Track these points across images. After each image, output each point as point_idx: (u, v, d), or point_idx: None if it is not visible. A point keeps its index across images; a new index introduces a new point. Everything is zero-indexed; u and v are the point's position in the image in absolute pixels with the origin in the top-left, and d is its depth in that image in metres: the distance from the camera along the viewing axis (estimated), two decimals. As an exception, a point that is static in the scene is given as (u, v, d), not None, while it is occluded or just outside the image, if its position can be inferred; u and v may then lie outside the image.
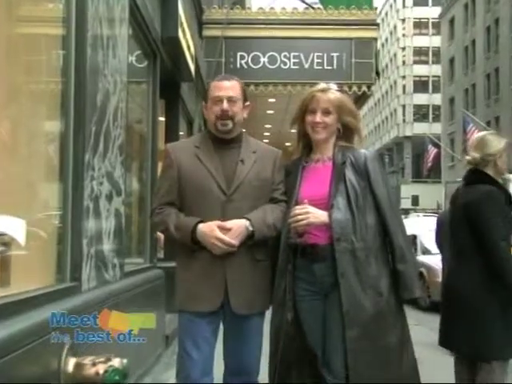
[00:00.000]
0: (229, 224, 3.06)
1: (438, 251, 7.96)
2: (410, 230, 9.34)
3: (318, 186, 3.20)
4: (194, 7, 11.25)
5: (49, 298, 3.17)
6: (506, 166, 3.96)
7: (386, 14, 75.94)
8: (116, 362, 2.81)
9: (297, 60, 12.39)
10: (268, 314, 3.29)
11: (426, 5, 69.89)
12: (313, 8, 13.84)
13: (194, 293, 3.13)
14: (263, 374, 3.29)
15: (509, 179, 7.00)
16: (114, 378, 2.75)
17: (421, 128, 63.24)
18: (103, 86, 4.32)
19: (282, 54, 12.37)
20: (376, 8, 13.08)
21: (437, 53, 66.61)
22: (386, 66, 73.51)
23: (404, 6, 71.88)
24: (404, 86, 71.28)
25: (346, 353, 3.01)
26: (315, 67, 12.37)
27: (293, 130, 3.45)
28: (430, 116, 69.68)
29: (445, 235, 6.32)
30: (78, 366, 2.83)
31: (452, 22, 57.06)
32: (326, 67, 12.37)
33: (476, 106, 49.56)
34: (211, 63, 11.94)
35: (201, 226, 3.07)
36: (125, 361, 2.85)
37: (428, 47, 70.70)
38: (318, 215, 3.09)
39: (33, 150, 3.67)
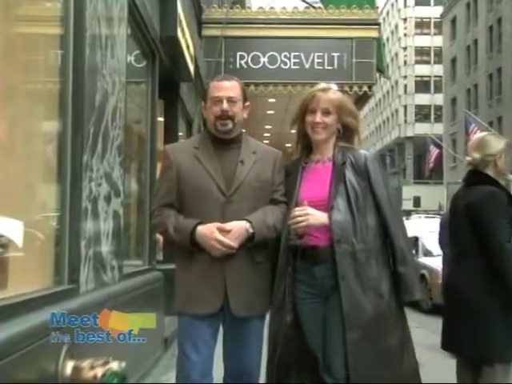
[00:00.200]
0: (228, 226, 3.06)
1: (440, 253, 7.98)
2: (411, 232, 9.36)
3: (318, 187, 3.20)
4: (193, 6, 11.25)
5: (46, 300, 3.17)
6: (505, 167, 3.97)
7: (388, 13, 75.96)
8: (114, 365, 2.80)
9: (297, 60, 12.40)
10: (268, 316, 3.29)
11: (428, 4, 69.92)
12: (313, 7, 13.87)
13: (194, 295, 3.13)
14: (263, 376, 3.29)
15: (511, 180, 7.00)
16: (113, 381, 2.75)
17: (422, 128, 63.23)
18: (102, 86, 4.32)
19: (283, 54, 12.38)
20: (377, 7, 13.08)
21: (439, 53, 66.63)
22: (387, 65, 73.56)
23: (406, 6, 71.91)
24: (405, 86, 71.30)
25: (346, 355, 3.01)
26: (316, 67, 12.37)
27: (293, 131, 3.44)
28: (432, 116, 69.70)
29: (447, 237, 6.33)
30: (76, 369, 2.83)
31: (454, 21, 57.08)
32: (326, 67, 12.38)
33: (478, 106, 49.58)
34: (211, 63, 11.94)
35: (200, 228, 3.07)
36: (123, 364, 2.84)
37: (430, 47, 70.72)
38: (318, 217, 3.08)
39: (30, 151, 3.67)
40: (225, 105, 3.19)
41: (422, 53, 71.35)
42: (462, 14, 54.65)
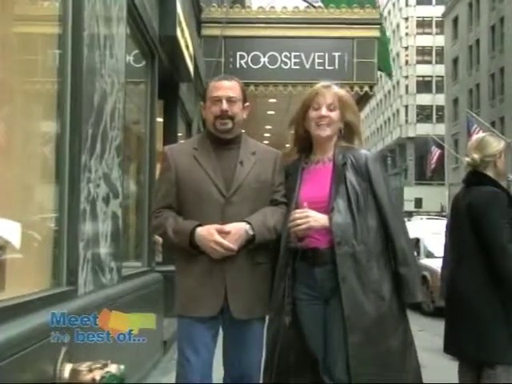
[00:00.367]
0: (228, 227, 3.05)
1: (441, 254, 7.96)
2: (413, 233, 9.35)
3: (318, 188, 3.20)
4: (193, 6, 11.25)
5: (44, 302, 3.17)
6: (505, 167, 3.99)
7: (389, 12, 75.99)
8: (113, 368, 2.81)
9: (298, 60, 12.39)
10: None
11: (430, 3, 70.00)
12: (314, 7, 13.87)
13: (194, 297, 3.13)
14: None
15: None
16: (111, 384, 2.75)
17: (424, 129, 63.27)
18: (100, 86, 4.32)
19: (283, 54, 12.37)
20: (379, 7, 13.08)
21: (440, 52, 66.67)
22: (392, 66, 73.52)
23: (407, 5, 71.98)
24: (407, 86, 71.32)
25: (347, 358, 3.00)
26: (316, 67, 12.37)
27: (291, 132, 3.44)
28: (434, 117, 69.73)
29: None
30: (74, 372, 2.83)
31: (456, 20, 57.13)
32: (327, 67, 12.37)
33: (480, 106, 49.60)
34: (210, 63, 11.93)
35: (199, 230, 3.07)
36: (122, 367, 2.84)
37: (431, 47, 70.77)
38: (318, 218, 3.08)
39: (28, 152, 3.67)
40: (224, 105, 3.19)
41: (423, 52, 71.39)
42: (463, 13, 54.68)
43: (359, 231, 3.07)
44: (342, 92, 3.30)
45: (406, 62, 71.07)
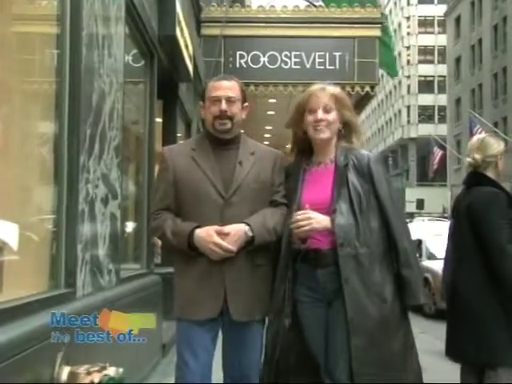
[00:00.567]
0: (227, 229, 3.05)
1: (443, 256, 7.97)
2: (414, 235, 9.34)
3: (320, 190, 3.20)
4: (192, 5, 11.26)
5: (42, 304, 3.17)
6: (505, 168, 4.02)
7: (390, 11, 75.95)
8: (111, 371, 2.81)
9: (298, 59, 12.39)
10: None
11: (432, 2, 70.01)
12: (314, 6, 13.86)
13: (193, 300, 3.13)
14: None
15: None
16: (110, 387, 2.75)
17: (426, 129, 63.30)
18: (99, 86, 4.33)
19: (283, 54, 12.37)
20: (380, 6, 13.08)
21: (442, 52, 66.70)
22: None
23: (409, 4, 71.97)
24: (409, 86, 71.31)
25: (350, 360, 3.00)
26: (317, 67, 12.36)
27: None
28: (436, 117, 69.72)
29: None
30: (73, 375, 2.83)
31: (458, 20, 57.15)
32: (328, 67, 12.36)
33: (483, 106, 49.61)
34: (210, 63, 11.93)
35: (198, 231, 3.07)
36: (120, 370, 2.85)
37: (433, 46, 70.76)
38: (320, 220, 3.08)
39: (26, 152, 3.68)
40: (223, 105, 3.19)
41: (425, 52, 71.39)
42: (466, 12, 54.70)
43: (362, 233, 3.08)
44: (337, 91, 3.29)
45: (408, 61, 71.05)
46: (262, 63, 12.36)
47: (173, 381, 3.23)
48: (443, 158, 44.39)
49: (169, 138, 8.87)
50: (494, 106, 47.69)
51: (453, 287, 3.98)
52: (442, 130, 61.74)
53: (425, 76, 70.80)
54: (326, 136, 3.23)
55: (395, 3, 75.23)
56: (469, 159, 3.98)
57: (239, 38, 12.49)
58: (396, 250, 3.15)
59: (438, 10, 67.03)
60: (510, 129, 42.13)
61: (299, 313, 3.19)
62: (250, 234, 3.08)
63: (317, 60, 12.39)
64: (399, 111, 72.95)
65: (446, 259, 4.21)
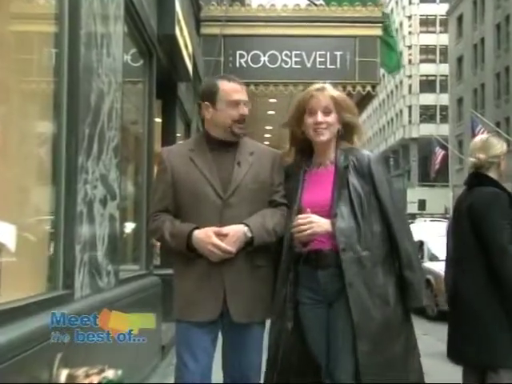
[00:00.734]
0: (226, 230, 3.05)
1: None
2: (416, 236, 9.34)
3: (321, 193, 3.20)
4: (192, 4, 11.26)
5: (40, 306, 3.17)
6: (506, 169, 4.05)
7: (392, 10, 75.95)
8: (110, 374, 2.81)
9: (298, 59, 12.39)
10: (269, 322, 3.28)
11: (434, 1, 70.00)
12: (315, 5, 13.86)
13: (192, 301, 3.13)
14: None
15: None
16: (109, 389, 2.75)
17: (428, 129, 63.26)
18: (97, 85, 4.33)
19: (283, 53, 12.37)
20: (381, 4, 13.08)
21: (444, 51, 66.73)
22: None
23: (410, 3, 72.00)
24: (410, 86, 71.34)
25: (356, 364, 3.00)
26: (318, 66, 12.36)
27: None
28: (438, 117, 69.75)
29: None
30: (71, 378, 2.83)
31: (460, 19, 57.18)
32: (328, 66, 12.37)
33: (485, 106, 49.62)
34: (209, 62, 11.93)
35: (196, 233, 3.07)
36: (119, 372, 2.84)
37: (435, 45, 70.80)
38: (322, 224, 3.08)
39: (24, 153, 3.68)
40: (244, 109, 3.21)
41: (427, 51, 71.42)
42: (468, 11, 54.73)
43: (363, 236, 3.08)
44: (337, 93, 3.28)
45: (410, 61, 71.02)
46: (262, 62, 12.36)
47: (172, 383, 3.23)
48: (445, 159, 44.42)
49: (168, 138, 8.87)
50: (496, 105, 47.70)
51: (454, 288, 3.99)
52: (443, 129, 61.76)
53: (426, 75, 70.82)
54: (326, 138, 3.23)
55: (397, 2, 75.23)
56: (473, 159, 3.99)
57: (239, 37, 12.49)
58: (398, 252, 3.15)
59: (439, 9, 67.04)
60: (512, 129, 42.15)
61: (301, 314, 3.19)
62: (249, 234, 3.08)
63: (317, 59, 12.39)
64: (401, 111, 72.97)
65: (447, 260, 4.22)
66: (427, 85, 70.70)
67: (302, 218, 3.09)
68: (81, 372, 2.81)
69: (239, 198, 3.15)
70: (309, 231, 3.06)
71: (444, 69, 65.78)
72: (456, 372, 4.14)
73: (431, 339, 8.30)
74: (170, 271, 3.52)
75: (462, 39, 56.58)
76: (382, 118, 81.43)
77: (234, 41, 12.43)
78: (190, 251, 3.09)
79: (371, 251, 3.07)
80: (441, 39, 68.51)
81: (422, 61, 71.09)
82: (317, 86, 3.31)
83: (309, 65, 12.39)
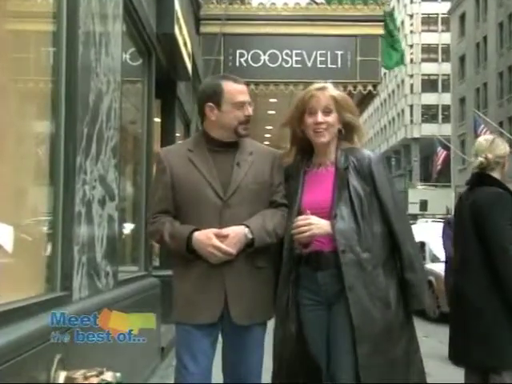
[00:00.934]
0: (226, 231, 3.05)
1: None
2: (418, 237, 9.35)
3: (321, 194, 3.20)
4: (191, 2, 11.26)
5: (38, 308, 3.17)
6: (509, 169, 4.09)
7: (393, 9, 75.95)
8: (109, 376, 2.81)
9: (299, 58, 12.39)
10: (270, 324, 3.29)
11: (435, 0, 69.98)
12: (316, 3, 13.86)
13: (192, 304, 3.13)
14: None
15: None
16: (107, 392, 2.75)
17: (429, 129, 63.24)
18: (96, 85, 4.33)
19: (284, 52, 12.37)
20: (383, 3, 13.07)
21: (446, 50, 66.68)
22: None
23: (412, 1, 71.97)
24: (412, 85, 71.32)
25: (356, 367, 3.00)
26: (318, 66, 12.36)
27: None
28: (440, 117, 69.73)
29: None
30: (69, 380, 2.83)
31: (462, 17, 57.17)
32: (329, 65, 12.37)
33: (488, 105, 49.60)
34: (209, 61, 11.94)
35: (196, 234, 3.06)
36: (118, 374, 2.85)
37: (437, 44, 70.78)
38: (321, 225, 3.09)
39: (21, 153, 3.68)
40: (249, 109, 3.22)
41: (429, 50, 71.40)
42: (470, 9, 54.72)
43: (363, 237, 3.07)
44: (337, 93, 3.28)
45: (411, 60, 70.94)
46: (262, 62, 12.37)
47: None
48: (447, 159, 44.44)
49: (167, 138, 8.88)
50: (499, 105, 47.68)
51: (456, 288, 4.00)
52: (445, 129, 61.77)
53: (428, 75, 70.80)
54: (326, 139, 3.23)
55: (398, 0, 75.19)
56: (481, 158, 4.01)
57: (239, 36, 12.49)
58: (399, 254, 3.14)
59: (441, 8, 66.98)
60: (515, 129, 42.13)
61: (302, 316, 3.19)
62: (250, 236, 3.08)
63: (318, 58, 12.39)
64: (402, 111, 72.95)
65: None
66: (429, 84, 70.69)
67: (301, 220, 3.09)
68: (79, 374, 2.81)
69: (239, 199, 3.15)
70: (308, 233, 3.06)
71: (446, 68, 65.75)
72: (457, 373, 4.15)
73: (433, 341, 8.30)
74: (169, 272, 3.52)
75: (464, 38, 56.57)
76: (384, 117, 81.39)
77: (234, 40, 12.43)
78: (189, 253, 3.09)
79: (372, 252, 3.07)
80: (443, 38, 68.48)
81: (423, 60, 71.07)
82: (317, 85, 3.31)
83: (309, 64, 12.39)
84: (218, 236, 3.03)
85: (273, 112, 15.17)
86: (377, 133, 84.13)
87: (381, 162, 3.30)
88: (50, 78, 3.85)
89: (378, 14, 12.62)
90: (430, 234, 14.55)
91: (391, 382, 3.05)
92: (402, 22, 72.37)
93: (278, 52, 12.36)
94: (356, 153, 3.25)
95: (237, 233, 3.06)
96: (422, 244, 13.64)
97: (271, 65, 12.37)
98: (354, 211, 3.10)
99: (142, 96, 7.15)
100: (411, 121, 70.54)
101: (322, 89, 3.26)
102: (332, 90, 3.26)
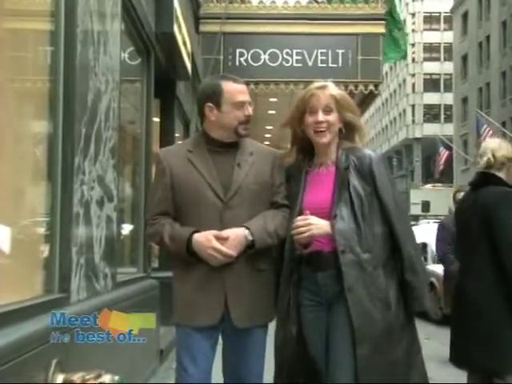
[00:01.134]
0: (226, 233, 3.05)
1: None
2: (419, 238, 9.35)
3: (321, 194, 3.20)
4: (191, 1, 11.26)
5: (35, 310, 3.16)
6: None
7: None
8: (107, 379, 2.80)
9: (299, 57, 12.40)
10: (271, 326, 3.29)
11: (437, -2, 70.02)
12: (317, 2, 13.86)
13: (192, 306, 3.13)
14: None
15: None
16: (106, 395, 2.75)
17: (431, 129, 63.24)
18: (94, 84, 4.32)
19: (284, 51, 12.37)
20: (385, 2, 13.07)
21: (449, 49, 66.70)
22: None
23: (414, 0, 71.95)
24: (413, 85, 71.34)
25: (355, 369, 3.00)
26: (319, 65, 12.37)
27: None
28: (442, 116, 69.75)
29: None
30: (67, 383, 2.82)
31: (465, 16, 57.17)
32: (330, 65, 12.37)
33: (490, 105, 49.60)
34: (209, 60, 11.94)
35: (196, 236, 3.06)
36: (116, 377, 2.84)
37: (439, 43, 70.79)
38: (321, 225, 3.09)
39: (19, 153, 3.67)
40: (249, 109, 3.22)
41: (431, 49, 71.41)
42: (473, 8, 54.72)
43: (363, 238, 3.08)
44: (338, 92, 3.29)
45: (413, 59, 70.97)
46: (262, 61, 12.37)
47: (172, 385, 3.24)
48: (449, 159, 44.39)
49: (167, 138, 8.89)
50: (501, 105, 47.68)
51: (460, 286, 4.01)
52: (448, 129, 61.77)
53: (430, 74, 70.81)
54: (327, 140, 3.24)
55: (400, -1, 75.30)
56: (488, 157, 4.02)
57: (239, 35, 12.49)
58: (400, 255, 3.15)
59: (444, 6, 66.94)
60: (518, 129, 42.12)
61: (302, 316, 3.20)
62: (250, 238, 3.08)
63: (319, 58, 12.39)
64: (404, 110, 72.96)
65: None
66: (431, 84, 70.71)
67: (300, 220, 3.09)
68: (77, 377, 2.80)
69: (240, 200, 3.15)
70: (307, 233, 3.07)
71: (448, 67, 65.77)
72: (459, 375, 4.15)
73: (434, 343, 8.29)
74: (168, 274, 3.53)
75: (466, 37, 56.57)
76: (385, 117, 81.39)
77: (234, 39, 12.43)
78: (190, 255, 3.09)
79: (372, 253, 3.07)
80: (445, 37, 68.49)
81: (425, 59, 71.07)
82: (317, 84, 3.31)
83: (310, 63, 12.40)
84: (219, 238, 3.03)
85: (273, 112, 15.17)
86: (378, 133, 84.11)
87: (381, 161, 3.31)
88: (47, 78, 3.85)
89: (380, 12, 12.61)
90: (432, 234, 14.55)
91: (391, 381, 3.05)
92: (404, 21, 72.30)
93: (278, 51, 12.37)
94: (357, 152, 3.25)
95: (237, 235, 3.06)
96: (424, 245, 13.64)
97: (271, 64, 12.37)
98: (354, 211, 3.10)
99: (140, 95, 7.15)
100: (413, 121, 70.56)
101: (323, 87, 3.26)
102: (332, 89, 3.27)
